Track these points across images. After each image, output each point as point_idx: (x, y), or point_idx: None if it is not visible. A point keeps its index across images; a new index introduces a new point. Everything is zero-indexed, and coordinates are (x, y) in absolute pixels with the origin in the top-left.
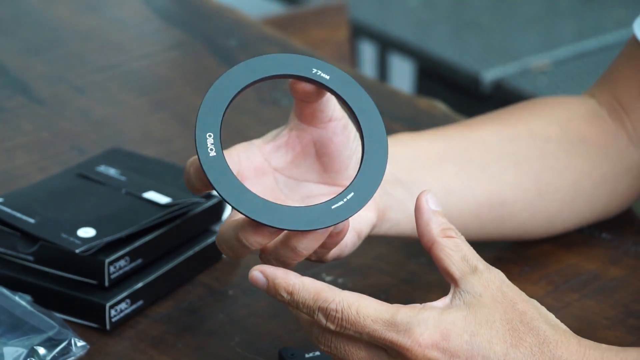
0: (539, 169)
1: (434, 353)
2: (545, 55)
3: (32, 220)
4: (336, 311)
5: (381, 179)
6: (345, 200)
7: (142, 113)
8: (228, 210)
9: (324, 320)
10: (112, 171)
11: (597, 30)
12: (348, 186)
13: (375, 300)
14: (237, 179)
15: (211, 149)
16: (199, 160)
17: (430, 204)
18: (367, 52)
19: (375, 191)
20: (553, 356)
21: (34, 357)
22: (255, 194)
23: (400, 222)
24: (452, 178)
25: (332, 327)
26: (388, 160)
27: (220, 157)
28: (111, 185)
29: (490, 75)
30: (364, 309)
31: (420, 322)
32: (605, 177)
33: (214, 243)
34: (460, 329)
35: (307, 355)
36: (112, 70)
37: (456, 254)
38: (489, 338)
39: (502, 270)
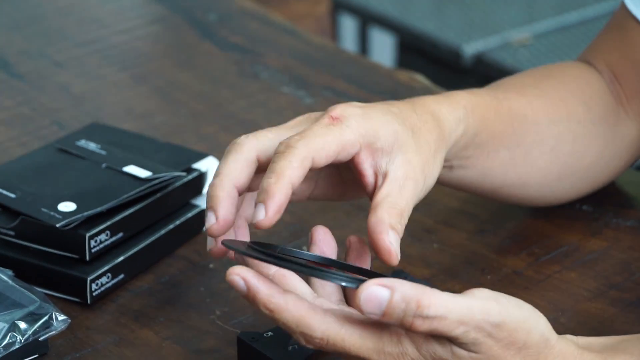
0: (567, 153)
1: None
2: (526, 28)
3: (12, 195)
4: (320, 339)
5: None
6: None
7: (123, 88)
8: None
9: (304, 343)
10: (92, 146)
11: (577, 3)
12: None
13: (360, 325)
14: None
15: None
16: None
17: None
18: (348, 26)
19: None
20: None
21: (15, 332)
22: None
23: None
24: (497, 163)
25: (314, 347)
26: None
27: None
28: (91, 160)
29: (471, 48)
30: (349, 338)
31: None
32: (612, 157)
33: (194, 216)
34: None
35: (265, 335)
36: (92, 45)
37: None
38: None
39: (483, 242)
